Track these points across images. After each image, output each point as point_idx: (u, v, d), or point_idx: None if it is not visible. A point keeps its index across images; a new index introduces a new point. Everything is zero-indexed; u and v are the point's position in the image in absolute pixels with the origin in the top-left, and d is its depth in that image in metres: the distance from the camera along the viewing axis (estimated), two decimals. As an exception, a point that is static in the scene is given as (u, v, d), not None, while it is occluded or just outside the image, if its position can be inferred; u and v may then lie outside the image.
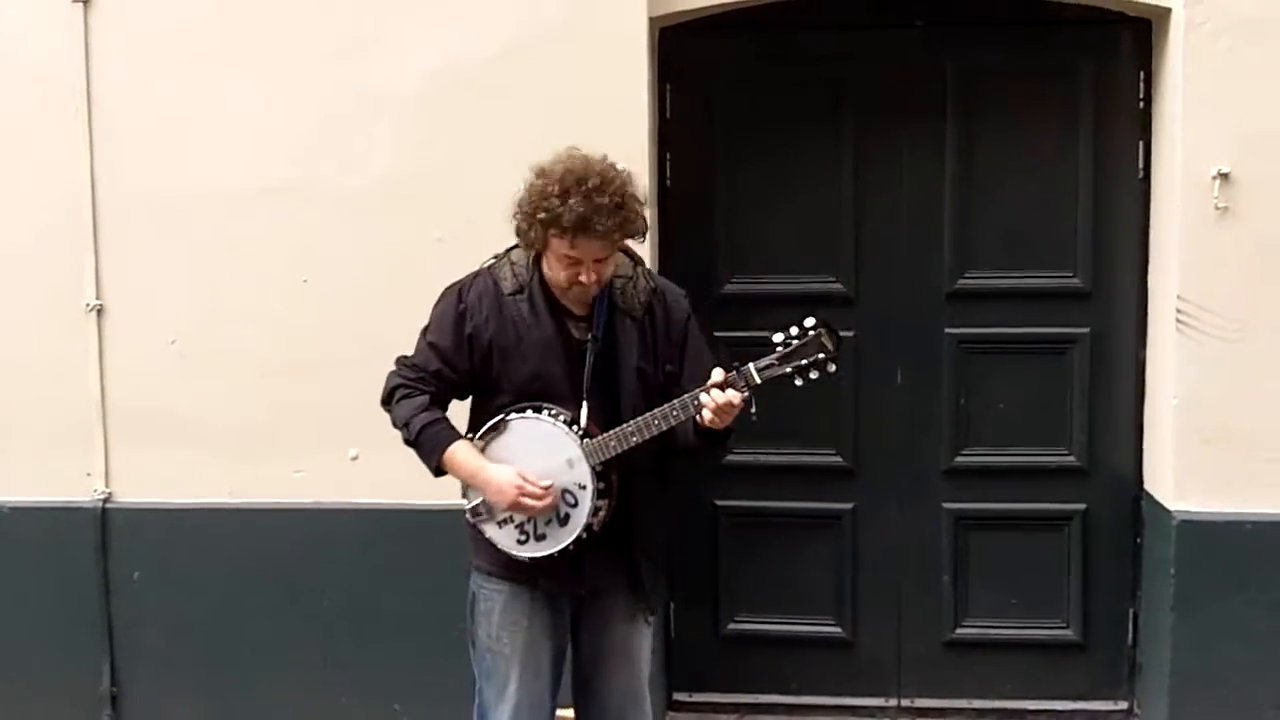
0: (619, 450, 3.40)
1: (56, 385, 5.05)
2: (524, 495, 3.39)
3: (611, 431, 3.40)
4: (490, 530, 3.53)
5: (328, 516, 4.99)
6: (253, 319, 4.95)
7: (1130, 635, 5.10)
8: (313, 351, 4.91)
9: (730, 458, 5.16)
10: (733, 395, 3.30)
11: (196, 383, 4.99)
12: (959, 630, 5.21)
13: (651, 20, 4.77)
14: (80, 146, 4.97)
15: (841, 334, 4.91)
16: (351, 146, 4.88)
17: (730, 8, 4.86)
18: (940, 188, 5.03)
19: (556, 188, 3.33)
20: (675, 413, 3.36)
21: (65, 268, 5.01)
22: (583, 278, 3.38)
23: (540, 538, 3.47)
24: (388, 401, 3.58)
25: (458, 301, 3.54)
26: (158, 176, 4.95)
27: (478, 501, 3.52)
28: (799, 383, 3.36)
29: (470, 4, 4.79)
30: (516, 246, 3.55)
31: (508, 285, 3.50)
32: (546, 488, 3.40)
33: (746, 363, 3.34)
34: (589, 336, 3.49)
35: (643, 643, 3.70)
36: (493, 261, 3.58)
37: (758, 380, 3.32)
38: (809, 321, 3.35)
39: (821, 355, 3.34)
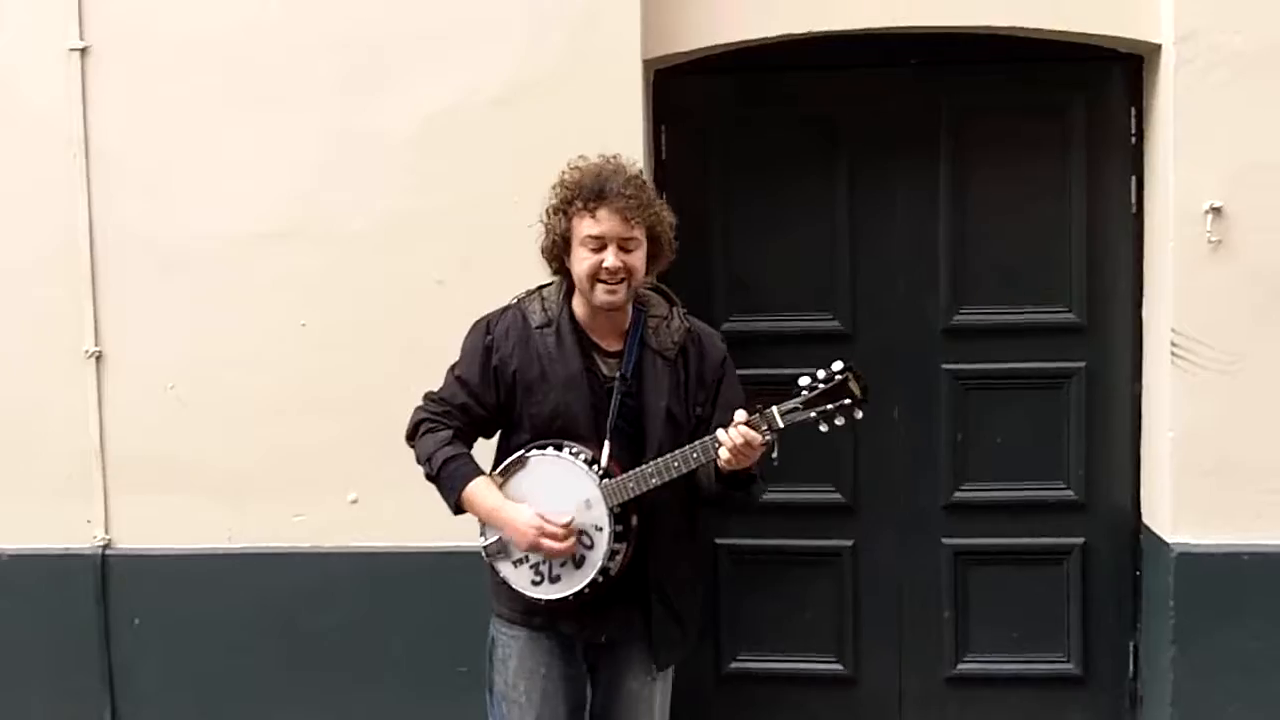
0: (638, 492, 3.33)
1: (56, 432, 5.06)
2: (544, 536, 3.32)
3: (630, 472, 3.33)
4: (505, 569, 3.48)
5: (327, 560, 4.98)
6: (252, 364, 4.95)
7: (1131, 668, 5.10)
8: (312, 395, 4.92)
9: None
10: (750, 435, 3.21)
11: (196, 428, 5.00)
12: (960, 665, 5.20)
13: (646, 63, 4.81)
14: (78, 192, 4.99)
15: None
16: (349, 190, 4.89)
17: (724, 49, 4.88)
18: (935, 224, 5.06)
19: (576, 172, 3.45)
20: (695, 455, 3.29)
21: (64, 314, 5.02)
22: (608, 261, 3.34)
23: (555, 579, 3.40)
24: (412, 436, 3.55)
25: (485, 334, 3.50)
26: (156, 222, 4.97)
27: (494, 539, 3.47)
28: (824, 428, 3.27)
29: (467, 48, 4.82)
30: (549, 285, 3.56)
31: (536, 319, 3.48)
32: (566, 525, 3.32)
33: (770, 405, 3.27)
34: (618, 374, 3.44)
35: (655, 698, 3.60)
36: (524, 295, 3.57)
37: (780, 424, 3.25)
38: (836, 365, 3.28)
39: (848, 401, 3.26)
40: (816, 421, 3.26)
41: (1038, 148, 5.03)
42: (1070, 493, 5.09)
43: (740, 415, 3.25)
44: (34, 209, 5.02)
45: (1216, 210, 4.60)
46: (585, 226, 3.38)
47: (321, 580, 5.00)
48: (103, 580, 5.08)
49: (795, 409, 3.25)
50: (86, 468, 5.05)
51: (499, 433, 3.59)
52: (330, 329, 4.90)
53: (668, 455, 3.31)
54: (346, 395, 4.84)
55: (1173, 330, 4.67)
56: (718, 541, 5.22)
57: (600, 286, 3.38)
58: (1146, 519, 4.98)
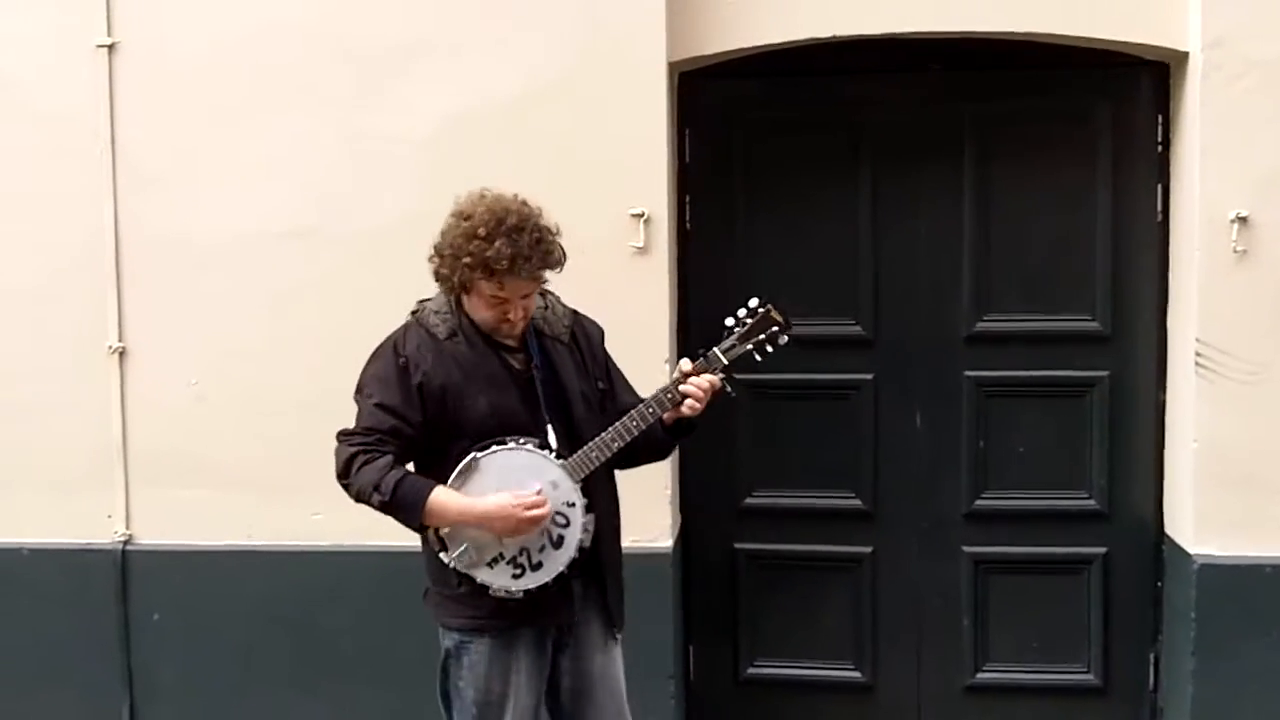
0: (601, 460, 3.47)
1: (78, 427, 5.08)
2: (528, 509, 3.39)
3: (590, 443, 3.46)
4: (482, 574, 3.48)
5: (346, 559, 4.99)
6: (272, 361, 4.98)
7: (1152, 679, 5.07)
8: (331, 394, 4.83)
9: (750, 500, 5.19)
10: (712, 379, 3.50)
11: (217, 425, 5.02)
12: (979, 674, 5.17)
13: (670, 65, 4.80)
14: (103, 190, 5.02)
15: (858, 376, 4.95)
16: (371, 190, 4.91)
17: (749, 53, 4.88)
18: (959, 231, 5.03)
19: (482, 230, 3.39)
20: (651, 410, 3.48)
21: (88, 310, 5.05)
22: (511, 316, 3.47)
23: (537, 566, 3.48)
24: (345, 474, 3.46)
25: (396, 356, 3.52)
26: (180, 220, 4.99)
27: (460, 549, 3.47)
28: (759, 358, 3.56)
29: (488, 49, 4.83)
30: (428, 300, 3.62)
31: (441, 331, 3.52)
32: (538, 493, 3.41)
33: (709, 349, 3.54)
34: (530, 366, 3.55)
35: (619, 666, 3.71)
36: (415, 314, 3.62)
37: (725, 361, 3.53)
38: (753, 301, 3.57)
39: (775, 328, 3.55)
40: (753, 352, 3.56)
41: (1063, 155, 5.00)
42: (1092, 502, 5.06)
43: (687, 364, 3.53)
44: (60, 205, 5.05)
45: (1243, 219, 4.58)
46: (490, 289, 3.44)
47: (340, 579, 5.02)
48: (123, 575, 5.11)
49: (733, 345, 3.55)
50: (108, 463, 5.08)
51: (429, 454, 3.53)
52: (351, 327, 4.83)
53: (623, 419, 3.48)
54: (367, 394, 4.84)
55: (1197, 340, 4.64)
56: (737, 546, 5.22)
57: (504, 326, 3.50)
58: (1169, 529, 4.94)
